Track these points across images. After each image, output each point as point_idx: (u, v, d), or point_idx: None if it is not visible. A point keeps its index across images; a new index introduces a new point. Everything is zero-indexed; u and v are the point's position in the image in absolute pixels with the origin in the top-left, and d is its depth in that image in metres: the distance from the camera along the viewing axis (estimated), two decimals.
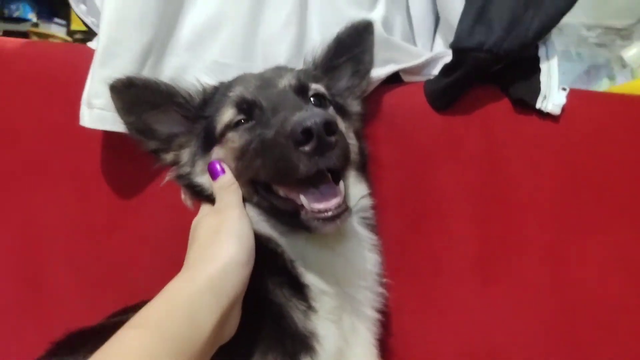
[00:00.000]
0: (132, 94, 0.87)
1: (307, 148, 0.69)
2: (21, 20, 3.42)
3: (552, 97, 1.06)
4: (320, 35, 1.11)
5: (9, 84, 1.11)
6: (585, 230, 1.06)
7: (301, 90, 0.86)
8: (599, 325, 1.04)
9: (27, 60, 1.13)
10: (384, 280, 0.94)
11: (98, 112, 0.95)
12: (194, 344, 0.62)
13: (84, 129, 0.98)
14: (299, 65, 1.07)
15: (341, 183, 0.79)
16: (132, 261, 1.10)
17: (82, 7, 1.19)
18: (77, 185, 1.11)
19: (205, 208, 0.85)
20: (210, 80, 1.01)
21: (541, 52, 1.09)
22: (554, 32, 1.07)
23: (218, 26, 1.06)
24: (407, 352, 1.08)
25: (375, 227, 0.94)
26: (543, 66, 1.08)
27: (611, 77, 2.15)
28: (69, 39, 3.57)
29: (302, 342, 0.78)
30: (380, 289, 0.92)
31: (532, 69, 1.08)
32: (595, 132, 1.07)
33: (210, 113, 0.87)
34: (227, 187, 0.81)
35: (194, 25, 1.06)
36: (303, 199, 0.75)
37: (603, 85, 2.11)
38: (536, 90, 1.06)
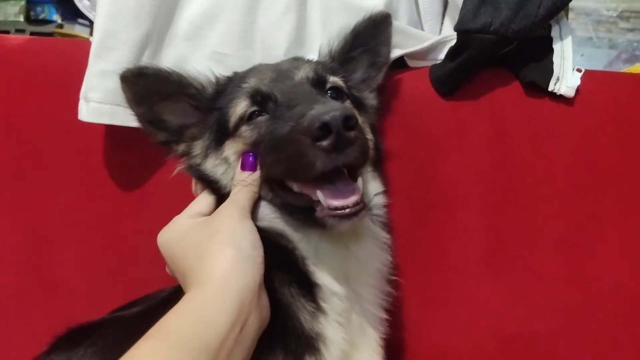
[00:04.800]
0: (142, 84, 0.85)
1: (325, 144, 0.66)
2: (46, 22, 3.49)
3: (565, 79, 1.00)
4: (321, 23, 1.08)
5: (14, 79, 1.12)
6: (602, 219, 1.00)
7: (318, 83, 0.83)
8: (616, 316, 0.99)
9: (31, 55, 1.13)
10: (393, 278, 0.91)
11: (95, 105, 0.95)
12: (210, 346, 0.61)
13: (87, 122, 0.98)
14: (300, 53, 1.05)
15: (359, 180, 0.76)
16: (138, 253, 1.10)
17: (86, 2, 1.19)
18: (82, 178, 1.11)
19: (180, 218, 0.82)
20: (209, 70, 1.01)
21: (554, 31, 1.04)
22: (580, 17, 1.01)
23: (216, 16, 1.04)
24: (417, 347, 1.05)
25: (388, 225, 0.91)
26: (556, 47, 1.02)
27: None
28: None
29: (308, 343, 0.76)
30: (389, 288, 0.90)
31: (544, 50, 1.02)
32: (612, 114, 1.01)
33: (223, 105, 0.85)
34: (245, 184, 0.79)
35: (192, 16, 1.05)
36: (320, 195, 0.72)
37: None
38: (549, 72, 1.01)
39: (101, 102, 0.95)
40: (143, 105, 0.87)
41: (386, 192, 0.93)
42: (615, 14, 2.22)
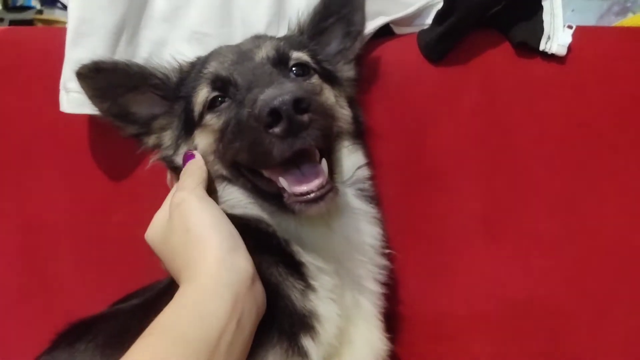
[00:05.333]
0: (101, 79, 0.84)
1: (277, 130, 0.64)
2: (25, 8, 3.46)
3: (556, 37, 0.97)
4: None
5: None
6: (598, 176, 0.99)
7: (280, 60, 0.81)
8: (616, 272, 0.98)
9: (10, 46, 1.11)
10: (387, 251, 0.90)
11: (75, 95, 0.93)
12: (210, 339, 0.61)
13: (70, 113, 0.96)
14: (282, 29, 1.01)
15: (324, 162, 0.74)
16: (132, 244, 1.08)
17: None
18: (71, 171, 1.10)
19: (160, 215, 0.80)
20: (190, 50, 0.98)
21: None
22: None
23: None
24: (418, 318, 1.05)
25: (375, 198, 0.89)
26: (545, 4, 1.00)
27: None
28: None
29: (301, 321, 0.75)
30: (383, 261, 0.89)
31: (533, 9, 1.00)
32: (605, 70, 0.98)
33: (187, 92, 0.83)
34: (184, 172, 0.78)
35: None
36: (283, 182, 0.71)
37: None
38: (539, 31, 0.98)
39: (81, 91, 0.92)
40: (106, 100, 0.86)
41: (370, 164, 0.91)
42: None
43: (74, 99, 0.93)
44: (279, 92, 0.64)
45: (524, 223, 1.01)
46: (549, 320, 1.00)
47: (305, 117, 0.65)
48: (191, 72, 0.86)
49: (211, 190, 0.81)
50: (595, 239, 0.99)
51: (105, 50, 0.95)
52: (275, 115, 0.63)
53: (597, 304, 0.99)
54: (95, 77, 0.83)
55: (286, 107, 0.63)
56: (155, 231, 0.78)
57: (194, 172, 0.78)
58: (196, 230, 0.70)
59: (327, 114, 0.77)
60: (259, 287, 0.70)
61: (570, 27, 0.98)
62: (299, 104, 0.64)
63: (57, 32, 1.12)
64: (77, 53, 0.92)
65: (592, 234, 0.99)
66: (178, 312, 0.64)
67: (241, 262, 0.68)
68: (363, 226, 0.86)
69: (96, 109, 0.86)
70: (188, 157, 0.81)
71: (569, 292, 1.00)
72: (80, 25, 0.94)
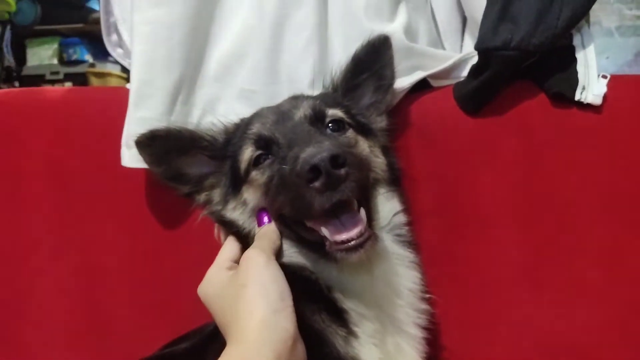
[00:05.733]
0: (157, 146, 0.92)
1: (317, 185, 0.69)
2: (79, 62, 3.65)
3: (591, 88, 1.00)
4: (344, 52, 1.10)
5: (57, 129, 1.18)
6: None
7: (317, 118, 0.87)
8: None
9: (71, 106, 1.20)
10: (427, 296, 0.92)
11: (135, 152, 1.00)
12: None
13: (127, 168, 1.04)
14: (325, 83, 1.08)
15: (362, 210, 0.78)
16: (182, 288, 1.13)
17: (119, 50, 1.26)
18: (126, 219, 1.16)
19: (212, 271, 0.84)
20: (240, 107, 1.05)
21: (576, 40, 1.04)
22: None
23: (243, 55, 1.09)
24: None
25: (413, 243, 0.92)
26: (579, 55, 1.02)
27: None
28: (124, 75, 3.77)
29: None
30: (424, 306, 0.90)
31: (567, 60, 1.03)
32: None
33: (233, 152, 0.90)
34: (263, 234, 0.82)
35: (220, 57, 1.09)
36: (325, 231, 0.75)
37: None
38: (574, 81, 1.00)
39: None
40: (162, 164, 0.94)
41: (407, 210, 0.94)
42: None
43: (134, 155, 0.99)
44: (317, 150, 0.69)
45: (567, 273, 1.01)
46: None
47: (342, 172, 0.70)
48: (236, 133, 0.92)
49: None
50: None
51: (164, 110, 1.03)
52: (315, 171, 0.68)
53: None
54: (152, 144, 0.92)
55: (324, 163, 0.68)
56: (210, 285, 0.81)
57: (270, 236, 0.82)
58: (250, 288, 0.73)
59: (363, 166, 0.82)
60: (300, 347, 0.72)
61: (604, 76, 1.00)
62: (336, 160, 0.69)
63: (116, 92, 1.22)
64: (140, 113, 1.00)
65: (637, 285, 0.99)
66: None
67: (284, 323, 0.70)
68: (402, 271, 0.88)
69: (153, 172, 0.95)
70: (262, 216, 0.85)
71: (613, 344, 0.99)
72: (141, 87, 1.02)
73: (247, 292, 0.72)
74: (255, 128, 0.87)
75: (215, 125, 0.95)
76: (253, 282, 0.73)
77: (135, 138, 0.92)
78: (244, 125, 0.91)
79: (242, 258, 0.79)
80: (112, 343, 1.14)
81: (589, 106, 1.00)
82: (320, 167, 0.68)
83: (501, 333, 1.04)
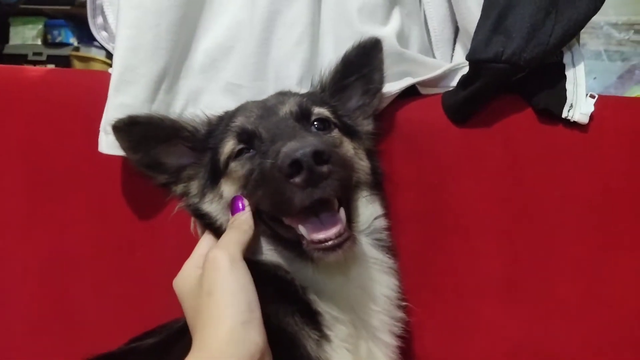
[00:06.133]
0: (136, 132, 0.89)
1: (297, 180, 0.67)
2: (63, 45, 3.58)
3: (579, 106, 1.00)
4: (334, 53, 1.09)
5: (34, 110, 1.14)
6: (621, 246, 1.00)
7: (303, 116, 0.85)
8: (637, 343, 0.98)
9: (51, 87, 1.16)
10: (404, 304, 0.91)
11: (113, 138, 0.97)
12: None
13: (104, 154, 1.01)
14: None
15: (342, 210, 0.76)
16: (153, 282, 1.11)
17: (104, 33, 1.22)
18: (98, 207, 1.12)
19: (188, 266, 0.81)
20: (224, 101, 1.03)
21: (566, 58, 1.04)
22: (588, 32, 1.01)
23: (231, 48, 1.06)
24: None
25: (392, 249, 0.91)
26: (569, 73, 1.03)
27: None
28: (108, 60, 3.70)
29: None
30: (399, 313, 0.90)
31: (557, 77, 1.03)
32: (627, 141, 1.00)
33: (214, 144, 0.88)
34: (237, 226, 0.79)
35: (208, 49, 1.07)
36: (302, 229, 0.73)
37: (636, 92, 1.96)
38: (562, 98, 1.01)
39: None
40: (139, 151, 0.91)
41: (388, 215, 0.93)
42: (627, 29, 2.20)
43: (112, 142, 0.96)
44: (300, 145, 0.67)
45: (544, 286, 1.01)
46: None
47: (325, 168, 0.68)
48: (219, 125, 0.90)
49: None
50: (616, 308, 0.99)
51: (145, 97, 0.99)
52: (296, 166, 0.67)
53: None
54: (130, 130, 0.89)
55: (307, 158, 0.66)
56: (184, 283, 0.79)
57: (239, 229, 0.78)
58: (217, 296, 0.69)
59: (346, 166, 0.80)
60: (267, 355, 0.69)
61: (592, 96, 1.01)
62: (319, 156, 0.67)
63: (99, 76, 1.18)
64: (120, 99, 0.97)
65: (614, 301, 0.99)
66: None
67: (253, 336, 0.67)
68: (379, 276, 0.87)
69: (130, 159, 0.91)
70: (236, 202, 0.81)
71: (588, 356, 0.99)
72: (124, 72, 0.99)
73: (213, 300, 0.69)
74: (239, 121, 0.85)
75: (198, 116, 0.93)
76: (219, 290, 0.69)
77: (113, 122, 0.89)
78: (227, 118, 0.89)
79: (205, 259, 0.74)
80: (77, 332, 1.11)
81: (575, 124, 1.00)
82: (302, 162, 0.66)
83: (475, 343, 1.03)
